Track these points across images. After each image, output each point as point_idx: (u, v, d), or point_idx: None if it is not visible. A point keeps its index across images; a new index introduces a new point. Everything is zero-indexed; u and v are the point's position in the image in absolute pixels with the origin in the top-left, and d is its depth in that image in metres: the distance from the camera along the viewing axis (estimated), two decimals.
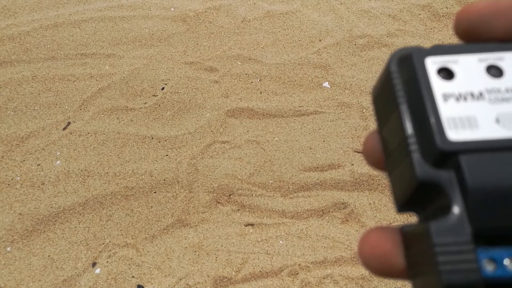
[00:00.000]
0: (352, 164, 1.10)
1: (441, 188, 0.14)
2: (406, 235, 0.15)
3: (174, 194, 1.04)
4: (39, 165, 1.08)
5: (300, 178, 1.07)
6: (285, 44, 1.40)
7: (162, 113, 1.21)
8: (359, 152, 1.13)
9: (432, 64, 0.15)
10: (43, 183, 1.05)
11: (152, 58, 1.34)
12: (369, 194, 1.05)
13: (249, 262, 0.94)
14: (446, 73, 0.15)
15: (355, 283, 0.91)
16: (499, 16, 0.15)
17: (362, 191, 1.06)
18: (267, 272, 0.92)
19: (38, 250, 0.95)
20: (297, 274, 0.92)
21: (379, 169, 0.18)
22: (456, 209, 0.14)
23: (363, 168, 1.10)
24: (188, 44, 1.39)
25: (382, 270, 0.15)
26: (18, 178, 1.06)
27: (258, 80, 1.29)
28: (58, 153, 1.11)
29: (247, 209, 1.02)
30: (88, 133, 1.16)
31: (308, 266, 0.93)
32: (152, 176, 1.07)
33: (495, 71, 0.15)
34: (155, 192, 1.04)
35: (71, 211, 1.01)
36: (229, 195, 1.04)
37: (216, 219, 1.00)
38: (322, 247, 0.96)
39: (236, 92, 1.26)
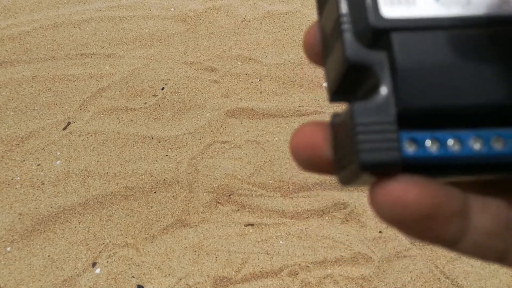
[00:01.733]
0: None
1: (372, 69, 0.13)
2: (334, 124, 0.14)
3: (174, 194, 1.04)
4: (39, 165, 1.08)
5: (300, 178, 1.07)
6: (285, 44, 1.40)
7: (162, 113, 1.21)
8: None
9: None
10: (43, 183, 1.05)
11: (152, 58, 1.34)
12: None
13: (249, 262, 0.94)
14: None
15: (355, 283, 0.91)
16: None
17: (362, 191, 1.06)
18: (267, 272, 0.92)
19: (38, 250, 0.95)
20: (297, 274, 0.92)
21: (318, 63, 0.16)
22: (383, 89, 0.13)
23: None
24: (188, 44, 1.39)
25: (310, 162, 0.15)
26: (18, 178, 1.06)
27: (258, 80, 1.29)
28: (58, 153, 1.11)
29: (247, 209, 1.02)
30: (88, 133, 1.16)
31: (308, 266, 0.93)
32: (152, 176, 1.07)
33: None
34: (155, 192, 1.04)
35: (71, 211, 1.01)
36: (229, 195, 1.04)
37: (216, 219, 1.00)
38: (322, 247, 0.96)
39: (236, 92, 1.26)
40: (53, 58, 1.32)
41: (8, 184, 1.05)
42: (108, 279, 0.91)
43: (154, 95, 1.25)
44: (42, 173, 1.07)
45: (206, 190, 1.05)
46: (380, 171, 0.12)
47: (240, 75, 1.30)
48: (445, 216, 0.12)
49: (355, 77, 0.14)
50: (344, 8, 0.13)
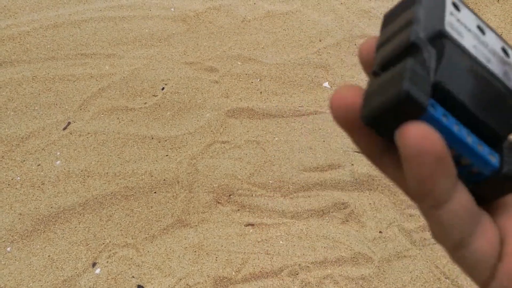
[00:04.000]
0: (352, 164, 1.10)
1: (424, 55, 0.17)
2: (374, 74, 0.18)
3: (174, 194, 1.04)
4: (39, 165, 1.08)
5: (300, 178, 1.07)
6: (285, 44, 1.40)
7: (162, 113, 1.21)
8: (359, 152, 1.12)
9: None
10: (43, 183, 1.05)
11: (152, 58, 1.34)
12: (369, 194, 1.05)
13: (249, 262, 0.94)
14: (456, 6, 0.19)
15: (355, 283, 0.91)
16: None
17: (362, 191, 1.06)
18: (267, 272, 0.92)
19: (38, 250, 0.95)
20: (297, 274, 0.92)
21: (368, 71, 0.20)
22: (431, 58, 0.17)
23: (363, 168, 1.10)
24: (188, 44, 1.39)
25: (348, 119, 0.17)
26: (18, 178, 1.06)
27: (258, 80, 1.29)
28: (58, 153, 1.11)
29: (247, 209, 1.02)
30: (88, 133, 1.16)
31: (308, 266, 0.93)
32: (152, 176, 1.07)
33: (481, 29, 0.19)
34: (155, 192, 1.04)
35: (71, 211, 1.01)
36: (229, 195, 1.04)
37: (216, 219, 1.00)
38: (322, 247, 0.96)
39: (236, 92, 1.26)
40: (53, 58, 1.32)
41: (8, 184, 1.05)
42: (108, 279, 0.91)
43: (154, 95, 1.25)
44: (42, 173, 1.07)
45: (206, 190, 1.05)
46: (410, 104, 0.15)
47: (240, 75, 1.30)
48: (448, 164, 0.15)
49: (409, 54, 0.17)
50: (421, 14, 0.18)
